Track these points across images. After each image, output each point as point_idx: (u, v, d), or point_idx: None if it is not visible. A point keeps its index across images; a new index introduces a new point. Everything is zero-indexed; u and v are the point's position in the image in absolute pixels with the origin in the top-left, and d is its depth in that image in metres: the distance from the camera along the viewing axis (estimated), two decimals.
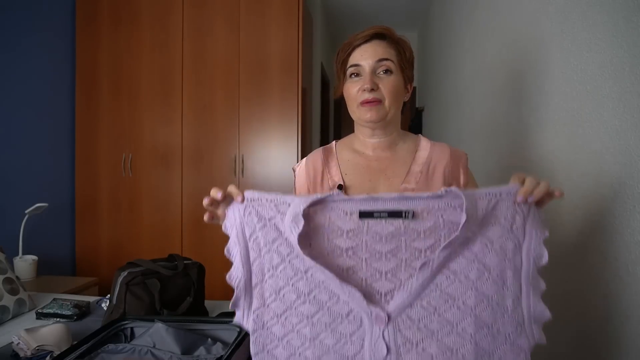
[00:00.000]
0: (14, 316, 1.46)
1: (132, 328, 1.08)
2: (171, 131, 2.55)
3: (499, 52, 1.65)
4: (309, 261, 0.65)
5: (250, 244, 0.68)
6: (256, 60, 2.47)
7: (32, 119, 2.33)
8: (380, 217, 0.65)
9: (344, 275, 0.65)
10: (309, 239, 0.66)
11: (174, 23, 2.52)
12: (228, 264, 0.69)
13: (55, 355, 0.96)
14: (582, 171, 0.99)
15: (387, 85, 0.87)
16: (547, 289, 0.64)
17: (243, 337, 0.96)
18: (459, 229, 0.61)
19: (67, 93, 2.60)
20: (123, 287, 1.26)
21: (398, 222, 0.65)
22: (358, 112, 0.90)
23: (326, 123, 4.22)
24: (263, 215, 0.67)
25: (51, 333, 1.14)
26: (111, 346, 0.96)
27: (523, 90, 1.38)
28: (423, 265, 0.63)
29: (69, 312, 1.41)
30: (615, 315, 0.85)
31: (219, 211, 0.70)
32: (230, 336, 1.06)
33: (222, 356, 0.91)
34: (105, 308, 1.48)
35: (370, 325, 0.65)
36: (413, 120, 4.11)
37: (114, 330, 1.04)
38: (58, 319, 1.41)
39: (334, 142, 1.01)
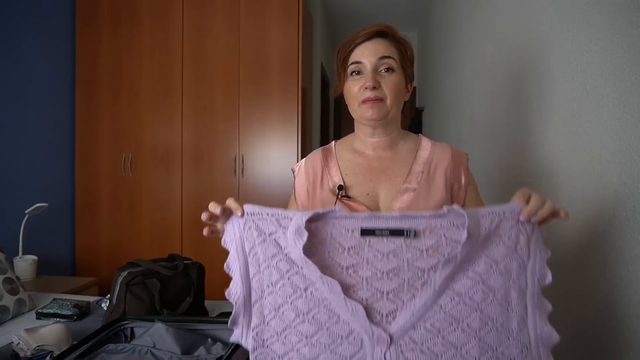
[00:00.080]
0: (14, 316, 1.46)
1: (132, 328, 1.08)
2: (171, 131, 2.55)
3: (499, 52, 1.65)
4: (309, 278, 0.64)
5: (249, 259, 0.66)
6: (256, 60, 2.47)
7: (32, 119, 2.33)
8: (382, 234, 0.64)
9: (345, 293, 0.63)
10: (310, 255, 0.64)
11: (174, 23, 2.52)
12: None
13: (55, 355, 0.96)
14: (582, 171, 0.99)
15: (389, 83, 0.86)
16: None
17: None
18: (460, 246, 0.60)
19: (67, 93, 2.60)
20: (123, 287, 1.26)
21: (400, 241, 0.64)
22: (359, 111, 0.89)
23: (326, 123, 4.22)
24: (263, 229, 0.66)
25: (51, 333, 1.14)
26: (111, 346, 0.96)
27: (523, 91, 1.38)
28: (424, 284, 0.61)
29: (69, 312, 1.41)
30: (615, 315, 0.85)
31: (219, 225, 0.69)
32: (230, 336, 1.05)
33: (222, 356, 0.91)
34: (105, 308, 1.48)
35: (371, 347, 0.63)
36: (413, 120, 4.11)
37: (114, 330, 1.04)
38: (58, 319, 1.41)
39: (333, 142, 1.00)
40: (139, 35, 2.55)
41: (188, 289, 1.38)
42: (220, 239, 0.69)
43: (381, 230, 0.64)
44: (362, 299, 0.64)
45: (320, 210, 0.64)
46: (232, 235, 0.67)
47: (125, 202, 2.60)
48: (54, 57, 2.49)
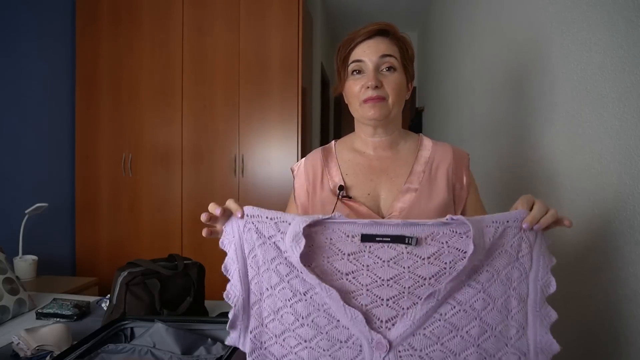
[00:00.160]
0: (14, 316, 1.46)
1: (132, 328, 1.08)
2: (171, 131, 2.55)
3: (499, 52, 1.65)
4: (309, 282, 0.63)
5: (249, 262, 0.66)
6: (256, 60, 2.47)
7: (32, 119, 2.33)
8: (382, 241, 0.63)
9: (344, 299, 0.63)
10: (309, 260, 0.64)
11: (174, 23, 2.52)
12: None
13: (55, 355, 0.96)
14: (582, 171, 0.99)
15: (391, 82, 0.85)
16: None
17: None
18: (467, 259, 0.59)
19: (67, 93, 2.60)
20: (123, 287, 1.26)
21: (401, 248, 0.62)
22: (361, 110, 0.88)
23: (326, 123, 4.22)
24: (263, 232, 0.65)
25: (51, 333, 1.14)
26: (111, 346, 0.96)
27: (523, 91, 1.38)
28: (429, 296, 0.61)
29: (69, 312, 1.41)
30: (616, 315, 0.85)
31: (218, 226, 0.68)
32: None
33: (222, 356, 0.91)
34: (105, 308, 1.48)
35: (370, 352, 0.63)
36: (413, 120, 4.11)
37: (114, 330, 1.04)
38: (58, 319, 1.41)
39: (333, 141, 0.99)
40: (139, 36, 2.55)
41: (188, 289, 1.38)
42: (220, 240, 0.68)
43: (382, 236, 0.62)
44: (362, 305, 0.63)
45: (320, 217, 0.63)
46: (231, 236, 0.66)
47: (125, 202, 2.60)
48: (54, 57, 2.49)
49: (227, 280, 0.67)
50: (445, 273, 0.61)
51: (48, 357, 1.07)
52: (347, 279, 0.63)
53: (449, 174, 0.89)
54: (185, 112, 2.54)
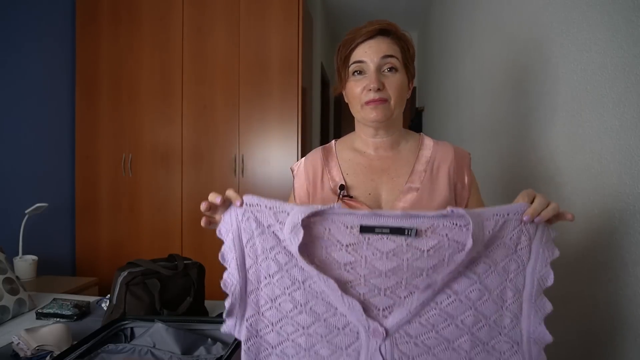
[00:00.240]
0: (14, 316, 1.46)
1: (132, 328, 1.08)
2: (171, 131, 2.55)
3: (499, 52, 1.65)
4: (307, 272, 0.63)
5: (246, 250, 0.66)
6: (256, 60, 2.47)
7: (32, 119, 2.33)
8: (382, 232, 0.62)
9: (342, 288, 0.64)
10: (308, 250, 0.64)
11: (174, 23, 2.52)
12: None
13: (55, 355, 0.96)
14: (582, 171, 0.99)
15: (393, 84, 0.84)
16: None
17: None
18: (465, 253, 0.59)
19: (67, 93, 2.60)
20: (123, 287, 1.26)
21: (400, 239, 0.62)
22: (362, 112, 0.87)
23: (326, 123, 4.22)
24: (262, 222, 0.65)
25: (51, 333, 1.14)
26: (111, 346, 0.96)
27: (523, 91, 1.38)
28: (427, 287, 0.61)
29: (69, 312, 1.41)
30: (615, 315, 0.85)
31: (217, 216, 0.68)
32: (230, 336, 1.05)
33: (222, 356, 0.91)
34: (105, 308, 1.48)
35: (367, 338, 0.64)
36: (413, 120, 4.11)
37: (114, 330, 1.04)
38: (58, 319, 1.41)
39: (333, 141, 0.99)
40: (139, 36, 2.55)
41: (188, 289, 1.38)
42: (217, 228, 0.67)
43: (381, 228, 0.62)
44: (360, 294, 0.64)
45: (319, 207, 0.63)
46: (229, 225, 0.66)
47: (125, 202, 2.60)
48: (54, 58, 2.49)
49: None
50: (443, 265, 0.62)
51: (48, 357, 1.07)
52: (345, 269, 0.64)
53: (451, 173, 0.88)
54: (185, 112, 2.54)
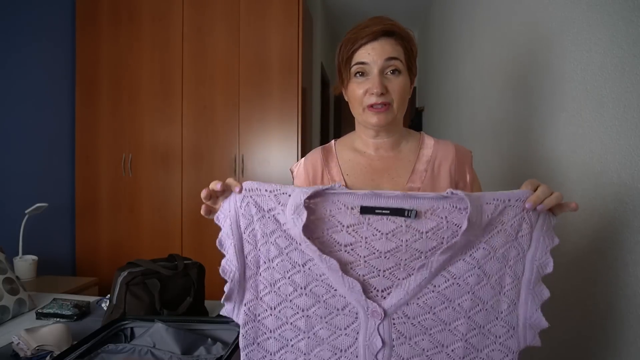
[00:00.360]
0: (14, 316, 1.46)
1: (132, 328, 1.08)
2: (171, 131, 2.55)
3: (499, 53, 1.65)
4: (308, 254, 0.64)
5: (245, 236, 0.66)
6: (256, 60, 2.47)
7: (32, 119, 2.33)
8: (382, 213, 0.63)
9: (343, 269, 0.65)
10: (309, 232, 0.64)
11: (174, 23, 2.52)
12: None
13: (55, 355, 0.96)
14: (582, 171, 0.99)
15: (396, 87, 0.83)
16: (547, 289, 0.64)
17: None
18: (459, 235, 0.60)
19: (67, 93, 2.60)
20: (123, 287, 1.26)
21: (400, 220, 0.63)
22: (364, 115, 0.86)
23: (326, 123, 4.22)
24: (262, 206, 0.65)
25: (51, 333, 1.14)
26: (111, 346, 0.96)
27: (523, 91, 1.38)
28: (421, 267, 0.62)
29: (69, 312, 1.41)
30: (615, 315, 0.85)
31: (217, 205, 0.68)
32: (230, 336, 1.06)
33: (222, 356, 0.91)
34: (105, 308, 1.48)
35: (365, 319, 0.65)
36: (413, 120, 4.11)
37: (114, 330, 1.04)
38: (58, 319, 1.41)
39: (333, 141, 0.98)
40: (139, 36, 2.55)
41: (188, 289, 1.38)
42: (214, 220, 0.68)
43: (381, 209, 0.63)
44: (359, 275, 0.65)
45: (320, 187, 0.64)
46: (227, 211, 0.67)
47: (125, 202, 2.60)
48: (54, 58, 2.49)
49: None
50: (442, 247, 0.62)
51: (48, 357, 1.07)
52: (345, 250, 0.65)
53: (452, 171, 0.88)
54: (185, 112, 2.54)
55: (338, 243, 0.65)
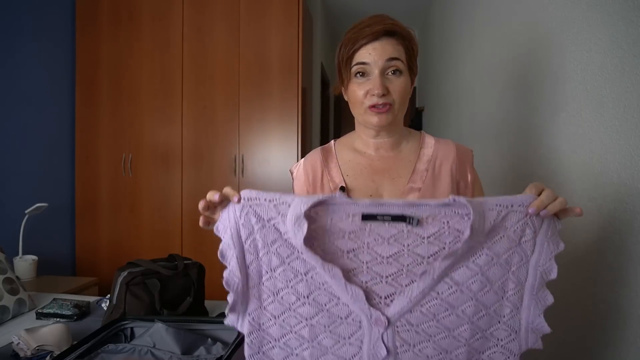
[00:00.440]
0: (14, 316, 1.46)
1: (132, 328, 1.08)
2: (171, 131, 2.55)
3: (499, 53, 1.65)
4: (310, 263, 0.63)
5: (246, 247, 0.65)
6: (256, 60, 2.47)
7: (32, 119, 2.33)
8: (383, 220, 0.63)
9: (346, 276, 0.64)
10: (311, 240, 0.64)
11: (174, 23, 2.52)
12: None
13: (55, 355, 0.96)
14: (582, 171, 0.99)
15: (397, 87, 0.82)
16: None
17: (243, 337, 0.96)
18: (462, 242, 0.59)
19: (67, 93, 2.60)
20: (123, 287, 1.26)
21: (401, 225, 0.63)
22: (365, 116, 0.85)
23: (326, 123, 4.22)
24: (262, 215, 0.64)
25: (51, 333, 1.14)
26: (111, 346, 0.96)
27: (523, 91, 1.38)
28: (423, 273, 0.62)
29: (69, 312, 1.41)
30: (615, 315, 0.85)
31: (216, 215, 0.67)
32: (230, 336, 1.06)
33: (222, 356, 0.91)
34: (105, 308, 1.48)
35: (369, 327, 0.64)
36: (413, 120, 4.11)
37: (114, 330, 1.04)
38: (58, 319, 1.41)
39: (332, 141, 0.97)
40: (139, 36, 2.55)
41: (188, 289, 1.38)
42: (214, 226, 0.67)
43: (383, 215, 0.63)
44: (362, 282, 0.64)
45: (320, 197, 0.63)
46: (227, 222, 0.65)
47: (125, 202, 2.60)
48: (54, 58, 2.49)
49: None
50: (444, 252, 0.62)
51: (48, 357, 1.07)
52: (347, 257, 0.64)
53: (453, 171, 0.87)
54: (185, 112, 2.54)
55: (340, 250, 0.64)
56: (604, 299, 0.89)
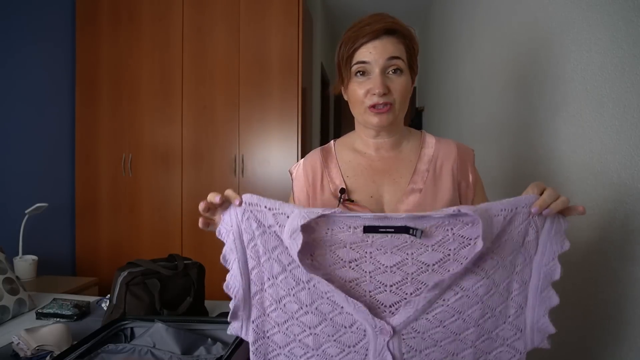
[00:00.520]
0: (14, 316, 1.46)
1: (132, 328, 1.08)
2: (171, 131, 2.55)
3: (499, 53, 1.65)
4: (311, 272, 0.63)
5: (248, 251, 0.64)
6: (256, 60, 2.47)
7: (32, 119, 2.33)
8: (386, 232, 0.61)
9: (348, 286, 0.63)
10: (311, 249, 0.63)
11: (174, 23, 2.52)
12: None
13: (55, 355, 0.96)
14: (582, 171, 0.99)
15: (398, 87, 0.81)
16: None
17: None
18: (474, 254, 0.58)
19: (67, 93, 2.60)
20: (123, 287, 1.26)
21: (404, 237, 0.62)
22: (365, 116, 0.84)
23: (326, 123, 4.22)
24: (262, 222, 0.63)
25: (51, 333, 1.14)
26: (111, 346, 0.96)
27: (523, 91, 1.38)
28: (434, 286, 0.61)
29: (69, 312, 1.41)
30: (615, 315, 0.85)
31: (216, 217, 0.66)
32: (230, 336, 1.05)
33: (222, 356, 0.91)
34: (105, 308, 1.48)
35: (374, 336, 0.64)
36: (413, 120, 4.11)
37: (114, 330, 1.04)
38: (58, 319, 1.41)
39: (332, 141, 0.96)
40: (139, 36, 2.55)
41: (188, 289, 1.38)
42: (217, 229, 0.66)
43: (385, 228, 0.61)
44: (366, 292, 0.64)
45: (320, 211, 0.61)
46: (229, 226, 0.65)
47: (125, 202, 2.60)
48: (54, 58, 2.49)
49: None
50: (449, 259, 0.61)
51: (48, 357, 1.07)
52: (350, 267, 0.63)
53: (454, 171, 0.86)
54: (185, 112, 2.54)
55: (342, 259, 0.63)
56: (605, 299, 0.89)
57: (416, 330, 0.63)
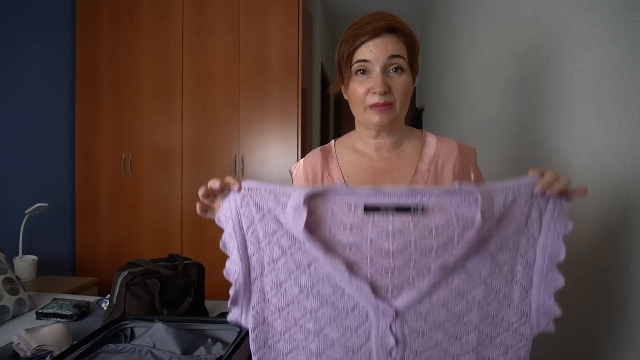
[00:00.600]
0: (14, 316, 1.46)
1: (132, 328, 1.08)
2: (171, 131, 2.55)
3: (499, 53, 1.65)
4: (312, 254, 0.63)
5: (248, 237, 0.64)
6: (256, 60, 2.47)
7: (32, 119, 2.33)
8: (387, 211, 0.61)
9: (349, 269, 0.63)
10: (312, 232, 0.63)
11: (174, 23, 2.52)
12: None
13: (55, 355, 0.96)
14: (582, 171, 0.99)
15: (399, 85, 0.80)
16: None
17: (243, 337, 0.96)
18: (474, 231, 0.58)
19: (67, 93, 2.60)
20: (123, 287, 1.26)
21: (407, 218, 0.61)
22: (365, 115, 0.83)
23: (326, 123, 4.22)
24: (261, 206, 0.63)
25: (51, 333, 1.14)
26: (111, 346, 0.96)
27: (523, 91, 1.38)
28: (439, 269, 0.60)
29: (69, 312, 1.41)
30: (615, 315, 0.85)
31: (215, 204, 0.66)
32: (230, 336, 1.06)
33: (222, 356, 0.91)
34: (105, 308, 1.48)
35: (376, 319, 0.63)
36: (413, 120, 4.11)
37: (114, 330, 1.04)
38: (58, 319, 1.41)
39: (332, 141, 0.95)
40: (139, 36, 2.55)
41: (188, 289, 1.38)
42: (215, 221, 0.66)
43: (386, 206, 0.61)
44: (367, 275, 0.63)
45: (320, 187, 0.62)
46: (228, 212, 0.65)
47: (125, 202, 2.60)
48: (54, 57, 2.49)
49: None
50: (453, 243, 0.61)
51: (48, 357, 1.07)
52: (351, 250, 0.63)
53: (456, 171, 0.85)
54: (185, 112, 2.54)
55: (342, 243, 0.63)
56: (605, 299, 0.89)
57: (419, 312, 0.63)
